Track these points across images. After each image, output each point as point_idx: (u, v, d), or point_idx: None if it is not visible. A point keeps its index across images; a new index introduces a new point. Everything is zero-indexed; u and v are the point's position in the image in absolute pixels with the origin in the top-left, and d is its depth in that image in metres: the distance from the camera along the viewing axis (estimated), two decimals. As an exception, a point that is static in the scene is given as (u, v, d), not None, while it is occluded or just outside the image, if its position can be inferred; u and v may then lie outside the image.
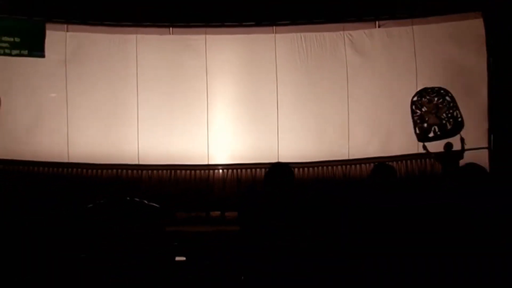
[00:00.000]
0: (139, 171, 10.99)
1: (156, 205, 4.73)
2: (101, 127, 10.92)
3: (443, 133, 9.79)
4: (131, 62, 11.18)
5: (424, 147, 9.75)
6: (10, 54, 10.64)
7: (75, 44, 11.12)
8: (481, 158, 9.54)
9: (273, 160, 10.54)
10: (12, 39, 10.62)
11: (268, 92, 11.11)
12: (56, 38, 10.90)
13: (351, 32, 11.13)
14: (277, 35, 11.23)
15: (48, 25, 10.81)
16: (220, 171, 11.00)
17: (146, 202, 4.70)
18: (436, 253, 2.92)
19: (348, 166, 10.73)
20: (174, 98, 11.11)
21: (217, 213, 10.72)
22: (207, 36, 11.21)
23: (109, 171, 10.83)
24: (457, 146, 9.51)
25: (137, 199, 4.67)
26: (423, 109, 9.89)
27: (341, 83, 11.01)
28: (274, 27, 11.27)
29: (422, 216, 3.09)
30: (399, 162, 10.52)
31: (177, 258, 4.65)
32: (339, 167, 10.63)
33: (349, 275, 3.05)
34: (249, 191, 9.48)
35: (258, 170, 10.71)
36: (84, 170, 10.77)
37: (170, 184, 10.88)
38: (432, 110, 9.88)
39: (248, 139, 10.95)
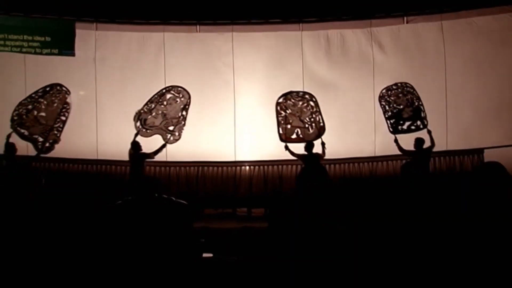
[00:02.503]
0: (167, 168, 11.09)
1: (184, 202, 4.76)
2: (129, 124, 11.02)
3: (305, 137, 9.78)
4: (159, 60, 11.29)
5: (286, 147, 9.69)
6: (41, 53, 10.88)
7: (104, 42, 11.29)
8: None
9: (299, 157, 10.54)
10: (43, 39, 10.86)
11: (295, 89, 11.08)
12: (86, 36, 11.09)
13: (378, 28, 11.05)
14: (304, 32, 11.22)
15: (77, 24, 11.01)
16: (247, 168, 11.04)
17: (174, 199, 4.72)
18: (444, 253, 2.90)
19: (374, 163, 10.66)
20: (201, 95, 11.16)
21: (244, 209, 10.78)
22: (234, 33, 11.27)
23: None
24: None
25: (165, 196, 4.70)
26: (288, 111, 9.91)
27: (368, 80, 10.94)
28: (300, 24, 11.26)
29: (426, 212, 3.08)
30: (428, 159, 10.43)
31: (205, 255, 4.68)
32: (366, 164, 10.54)
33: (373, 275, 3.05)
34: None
35: (284, 167, 10.71)
36: (113, 167, 10.93)
37: (198, 181, 10.94)
38: (296, 113, 9.88)
39: (274, 136, 10.94)
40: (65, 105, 9.64)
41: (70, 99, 9.65)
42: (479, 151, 10.36)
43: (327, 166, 10.17)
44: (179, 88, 9.98)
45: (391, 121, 9.74)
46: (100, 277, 3.96)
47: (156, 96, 9.91)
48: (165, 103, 9.91)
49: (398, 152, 10.47)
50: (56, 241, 5.02)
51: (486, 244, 2.74)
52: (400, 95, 9.81)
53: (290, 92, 9.98)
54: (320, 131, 9.77)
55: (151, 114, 9.82)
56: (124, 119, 11.03)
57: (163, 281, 3.95)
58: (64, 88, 9.65)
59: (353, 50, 11.16)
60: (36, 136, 9.43)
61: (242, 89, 11.17)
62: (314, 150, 9.37)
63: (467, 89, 10.66)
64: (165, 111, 9.87)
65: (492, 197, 2.87)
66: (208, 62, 11.31)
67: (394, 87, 9.87)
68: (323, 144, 9.55)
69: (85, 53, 11.02)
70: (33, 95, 9.52)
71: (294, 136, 9.82)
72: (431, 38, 10.89)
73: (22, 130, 9.38)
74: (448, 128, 10.62)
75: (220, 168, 11.04)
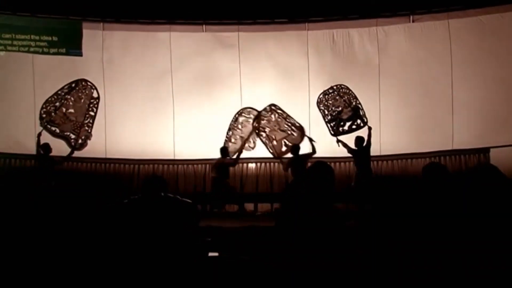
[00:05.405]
0: (175, 166, 11.16)
1: (189, 200, 4.80)
2: (137, 123, 11.12)
3: (294, 142, 10.04)
4: (166, 59, 11.35)
5: (282, 162, 10.12)
6: (48, 53, 10.95)
7: (111, 42, 11.36)
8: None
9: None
10: (50, 38, 10.93)
11: (300, 88, 11.12)
12: (93, 36, 11.16)
13: (384, 27, 11.03)
14: (310, 32, 11.24)
15: (84, 24, 11.08)
16: (253, 164, 11.09)
17: (179, 198, 4.77)
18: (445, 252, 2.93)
19: (380, 162, 10.68)
20: (207, 94, 11.25)
21: (250, 206, 10.82)
22: (240, 33, 11.31)
23: (146, 166, 11.03)
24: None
25: (170, 195, 4.74)
26: (267, 130, 10.15)
27: (373, 80, 10.95)
28: (306, 24, 11.27)
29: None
30: (432, 158, 10.43)
31: (210, 254, 4.72)
32: (371, 163, 10.54)
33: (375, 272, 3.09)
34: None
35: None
36: (122, 166, 11.02)
37: (205, 178, 11.00)
38: (274, 127, 10.15)
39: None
40: (92, 100, 9.77)
41: (97, 93, 9.79)
42: (485, 151, 10.35)
43: (332, 164, 10.19)
44: (248, 109, 10.35)
45: (332, 124, 10.02)
46: (104, 276, 4.00)
47: (231, 123, 10.29)
48: (240, 126, 10.28)
49: (404, 151, 10.54)
50: (61, 240, 5.08)
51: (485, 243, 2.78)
52: (337, 97, 10.04)
53: (259, 113, 10.21)
54: (301, 130, 10.07)
55: (231, 141, 10.25)
56: (132, 118, 11.14)
57: (168, 281, 4.00)
58: (89, 83, 9.78)
59: (359, 49, 11.16)
60: (68, 133, 9.55)
61: (248, 88, 11.20)
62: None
63: (474, 88, 10.63)
64: (242, 134, 10.24)
65: (487, 198, 2.90)
66: (214, 61, 11.36)
67: (330, 90, 10.12)
68: (310, 139, 9.84)
69: (92, 52, 11.10)
70: (59, 92, 9.62)
71: (284, 148, 10.09)
72: (437, 37, 10.86)
73: (53, 128, 9.48)
74: (454, 127, 10.61)
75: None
